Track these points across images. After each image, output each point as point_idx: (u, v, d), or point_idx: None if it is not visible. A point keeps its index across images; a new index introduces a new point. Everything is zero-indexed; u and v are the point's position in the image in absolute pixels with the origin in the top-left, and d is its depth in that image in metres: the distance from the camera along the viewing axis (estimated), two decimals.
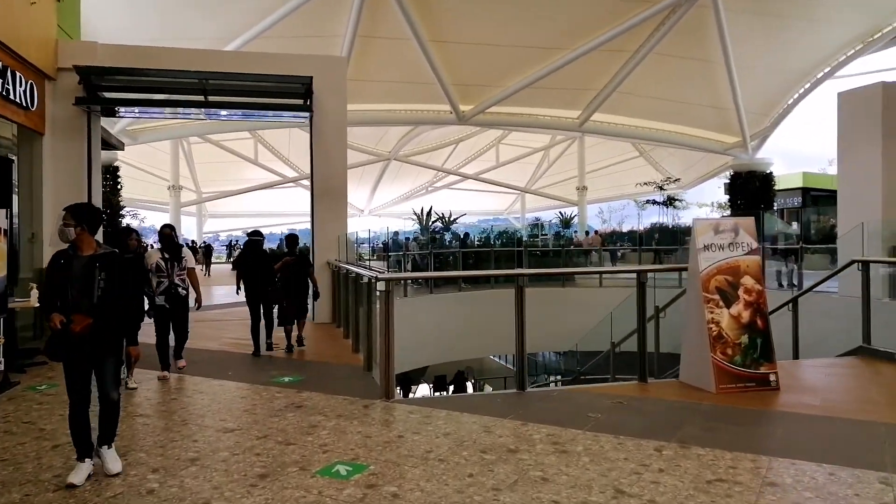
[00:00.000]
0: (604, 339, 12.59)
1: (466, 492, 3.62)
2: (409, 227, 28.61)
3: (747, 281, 6.12)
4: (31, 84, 9.24)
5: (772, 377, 5.96)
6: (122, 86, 11.16)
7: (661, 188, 33.78)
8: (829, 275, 9.41)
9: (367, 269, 7.62)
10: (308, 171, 12.41)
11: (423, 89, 23.49)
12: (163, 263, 6.93)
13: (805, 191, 29.96)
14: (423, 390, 23.40)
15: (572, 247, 23.76)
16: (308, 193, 12.45)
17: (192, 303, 7.30)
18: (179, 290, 7.00)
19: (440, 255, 18.79)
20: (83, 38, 12.25)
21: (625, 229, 36.81)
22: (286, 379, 6.71)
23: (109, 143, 14.32)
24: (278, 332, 8.74)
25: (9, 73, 8.33)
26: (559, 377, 20.79)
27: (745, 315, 6.04)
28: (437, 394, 23.14)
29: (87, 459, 3.91)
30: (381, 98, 24.40)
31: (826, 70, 23.99)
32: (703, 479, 3.78)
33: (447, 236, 22.25)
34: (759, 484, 3.69)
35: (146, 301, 6.52)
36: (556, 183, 48.04)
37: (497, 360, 25.20)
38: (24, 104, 8.96)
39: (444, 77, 22.86)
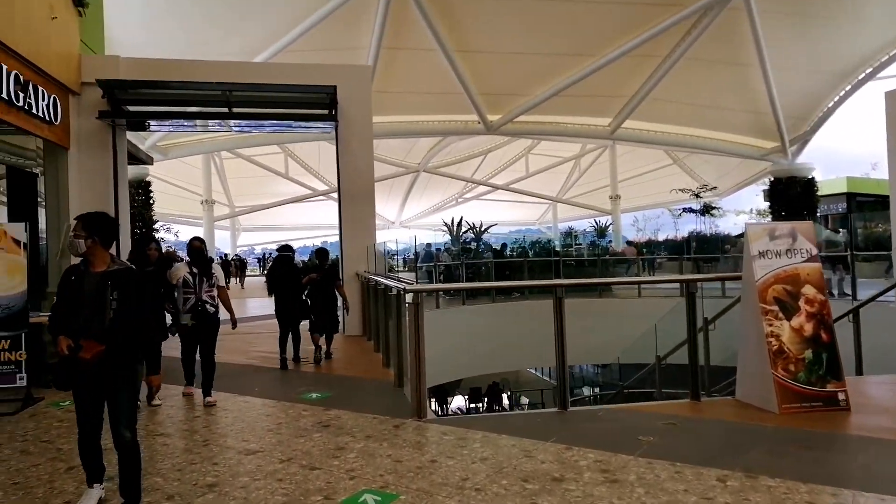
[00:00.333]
0: (645, 352, 12.06)
1: None
2: (441, 238, 28.30)
3: (808, 290, 5.61)
4: (55, 98, 9.20)
5: (840, 395, 5.42)
6: (145, 99, 11.10)
7: (696, 196, 32.94)
8: None
9: (395, 281, 7.29)
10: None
11: (451, 100, 23.27)
12: (190, 279, 6.33)
13: (850, 196, 28.85)
14: (457, 402, 23.00)
15: (607, 256, 23.14)
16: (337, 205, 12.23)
17: (223, 321, 6.75)
18: (207, 307, 6.34)
19: (473, 265, 18.39)
20: (107, 53, 12.28)
21: (660, 238, 36.07)
22: (314, 395, 6.39)
23: (138, 158, 14.34)
24: (307, 346, 8.71)
25: (31, 88, 8.26)
26: (597, 390, 20.20)
27: (808, 327, 5.53)
28: (472, 405, 22.73)
29: (95, 484, 3.62)
30: (408, 110, 24.26)
31: (868, 71, 23.09)
32: None
33: (480, 246, 21.85)
34: None
35: (168, 318, 6.18)
36: (588, 192, 47.39)
37: (533, 371, 24.66)
38: (48, 118, 8.90)
39: (471, 87, 22.62)
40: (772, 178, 27.72)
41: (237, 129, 13.64)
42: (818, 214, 28.21)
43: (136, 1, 17.47)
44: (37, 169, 10.20)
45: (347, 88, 11.24)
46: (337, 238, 12.01)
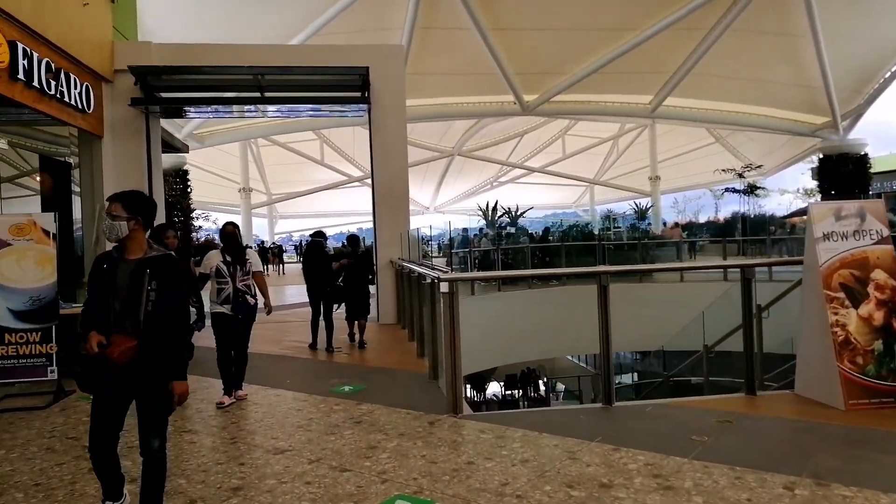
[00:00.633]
0: (688, 339, 11.58)
1: None
2: (475, 222, 27.95)
3: (879, 275, 5.13)
4: (87, 86, 9.12)
5: None
6: (176, 85, 10.99)
7: (740, 175, 31.79)
8: None
9: (430, 269, 7.03)
10: None
11: (486, 80, 22.75)
12: (224, 267, 5.85)
13: None
14: (493, 388, 22.76)
15: (647, 240, 22.47)
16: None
17: (260, 307, 6.48)
18: (248, 298, 5.89)
19: (509, 251, 17.98)
20: (140, 40, 12.23)
21: (701, 220, 35.00)
22: (346, 388, 6.19)
23: (173, 146, 14.34)
24: (340, 335, 8.77)
25: (62, 76, 8.17)
26: (635, 377, 19.70)
27: (878, 316, 5.06)
28: (507, 392, 22.46)
29: (109, 503, 3.17)
30: (442, 92, 23.83)
31: None
32: None
33: (516, 231, 21.43)
34: None
35: (193, 312, 5.94)
36: (626, 174, 46.32)
37: (570, 358, 24.23)
38: (81, 107, 8.83)
39: (506, 66, 22.04)
40: (821, 156, 26.47)
41: (269, 113, 13.49)
42: (870, 193, 26.91)
43: None
44: (71, 158, 10.19)
45: (380, 69, 10.94)
46: (371, 224, 11.79)
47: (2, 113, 8.49)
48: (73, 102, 8.54)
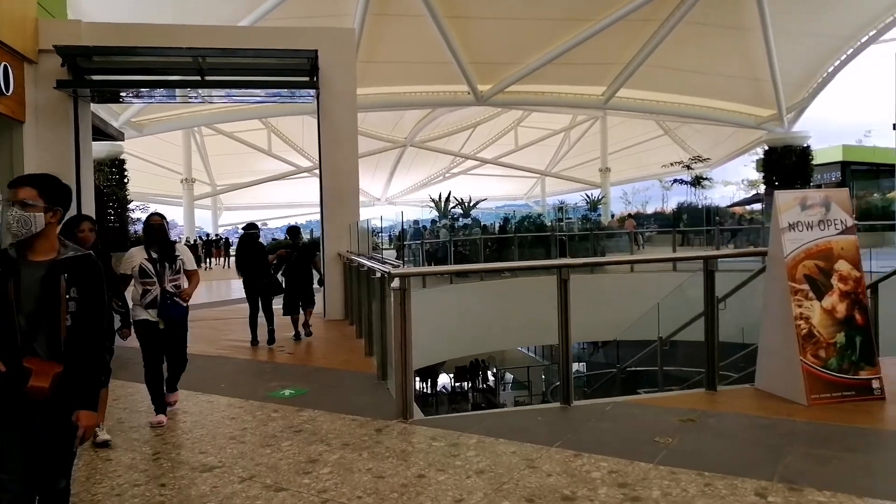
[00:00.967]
0: (640, 329, 11.50)
1: None
2: (428, 213, 27.55)
3: (842, 266, 4.98)
4: (6, 66, 8.40)
5: (875, 384, 4.83)
6: (109, 67, 10.25)
7: (688, 167, 32.39)
8: None
9: (380, 263, 6.62)
10: None
11: (440, 69, 22.35)
12: (149, 266, 4.98)
13: (845, 164, 28.39)
14: (443, 380, 22.50)
15: (602, 231, 22.51)
16: None
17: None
18: (178, 300, 5.05)
19: (467, 243, 17.63)
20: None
21: (649, 211, 35.52)
22: (286, 392, 5.73)
23: (106, 134, 13.48)
24: (284, 333, 8.48)
25: None
26: (582, 367, 19.71)
27: (841, 308, 4.92)
28: (456, 385, 22.21)
29: None
30: (394, 80, 23.32)
31: (871, 33, 22.34)
32: None
33: (468, 223, 21.13)
34: None
35: (117, 320, 4.89)
36: (577, 165, 46.72)
37: (520, 348, 24.19)
38: None
39: (461, 55, 21.69)
40: (766, 148, 27.13)
41: (213, 99, 12.78)
42: (811, 184, 27.75)
43: None
44: None
45: (329, 53, 10.43)
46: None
47: None
48: None
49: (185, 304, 5.14)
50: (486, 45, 21.73)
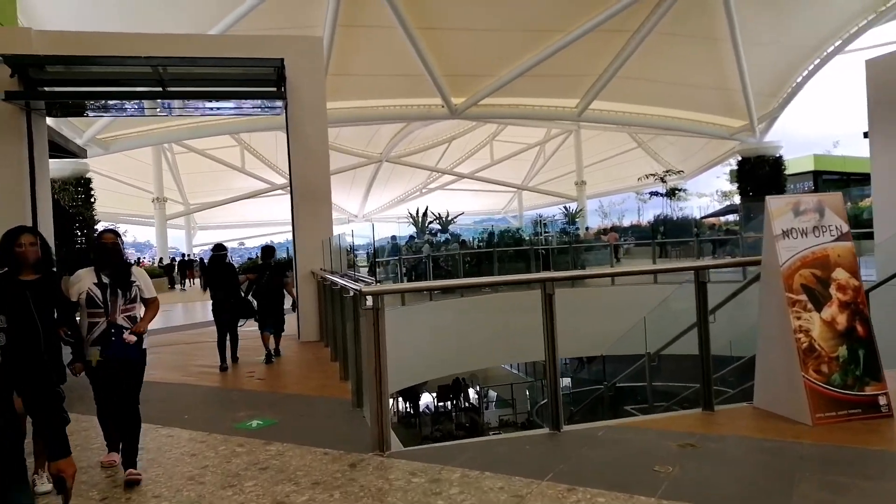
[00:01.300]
0: (628, 344, 11.23)
1: None
2: (406, 229, 27.20)
3: (840, 275, 4.73)
4: None
5: (882, 400, 4.56)
6: (63, 78, 9.74)
7: (662, 180, 32.59)
8: None
9: (352, 281, 6.24)
10: None
11: (413, 82, 22.13)
12: (98, 293, 4.17)
13: (816, 174, 28.73)
14: (425, 399, 21.99)
15: (582, 244, 22.36)
16: None
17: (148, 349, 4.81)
18: (127, 335, 4.18)
19: (449, 259, 17.28)
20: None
21: (626, 223, 35.63)
22: (254, 424, 5.29)
23: (67, 150, 12.94)
24: (255, 356, 8.25)
25: None
26: (567, 382, 19.43)
27: (842, 319, 4.64)
28: (440, 405, 21.71)
29: None
30: (367, 94, 23.04)
31: (837, 43, 22.68)
32: None
33: (448, 237, 20.83)
34: None
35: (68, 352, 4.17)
36: (553, 179, 46.86)
37: (504, 366, 23.79)
38: None
39: (433, 68, 21.48)
40: (739, 158, 27.34)
41: (176, 111, 12.30)
42: (785, 194, 28.02)
43: None
44: None
45: (297, 62, 10.05)
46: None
47: None
48: None
49: (137, 339, 4.24)
50: (459, 57, 21.59)
